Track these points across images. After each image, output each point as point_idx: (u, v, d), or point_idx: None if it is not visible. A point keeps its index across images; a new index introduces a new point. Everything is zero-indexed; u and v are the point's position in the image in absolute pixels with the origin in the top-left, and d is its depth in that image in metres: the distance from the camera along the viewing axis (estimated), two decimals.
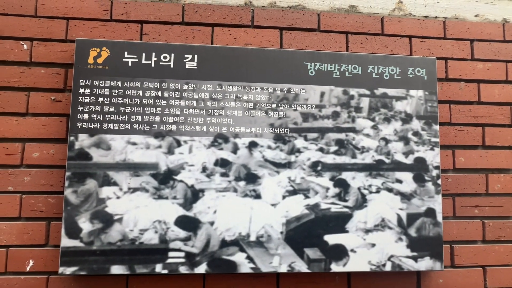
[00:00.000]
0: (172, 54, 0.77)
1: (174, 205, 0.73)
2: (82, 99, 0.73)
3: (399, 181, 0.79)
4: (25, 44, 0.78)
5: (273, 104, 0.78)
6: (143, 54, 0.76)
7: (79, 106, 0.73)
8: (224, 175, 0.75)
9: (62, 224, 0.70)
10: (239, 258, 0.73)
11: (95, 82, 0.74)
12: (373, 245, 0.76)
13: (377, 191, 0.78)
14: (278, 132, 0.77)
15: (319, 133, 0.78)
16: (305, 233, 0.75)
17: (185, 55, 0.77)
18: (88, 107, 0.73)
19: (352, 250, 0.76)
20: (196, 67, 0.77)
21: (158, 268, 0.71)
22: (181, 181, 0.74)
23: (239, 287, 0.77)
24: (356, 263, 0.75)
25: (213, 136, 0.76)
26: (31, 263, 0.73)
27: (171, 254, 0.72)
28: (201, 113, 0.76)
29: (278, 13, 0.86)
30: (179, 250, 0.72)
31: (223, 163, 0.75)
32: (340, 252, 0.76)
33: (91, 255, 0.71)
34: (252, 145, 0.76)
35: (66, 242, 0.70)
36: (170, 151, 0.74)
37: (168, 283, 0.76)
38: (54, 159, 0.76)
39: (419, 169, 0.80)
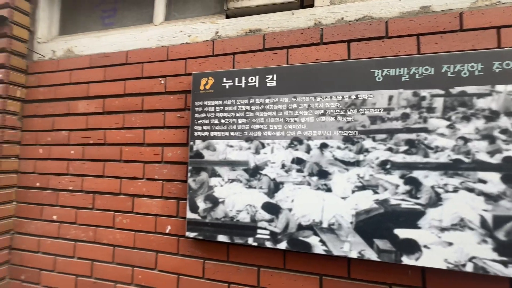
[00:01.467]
0: (257, 76, 0.99)
1: (260, 194, 0.94)
2: (197, 115, 1.04)
3: (483, 181, 0.77)
4: (162, 80, 1.16)
5: (342, 110, 0.89)
6: (236, 79, 1.01)
7: (195, 120, 1.04)
8: (299, 171, 0.91)
9: (187, 203, 1.02)
10: (313, 240, 0.88)
11: (205, 103, 1.04)
12: (450, 243, 0.77)
13: (455, 191, 0.78)
14: (347, 135, 0.88)
15: (387, 134, 0.84)
16: (374, 225, 0.83)
17: (266, 76, 0.98)
18: (201, 121, 1.03)
19: (425, 246, 0.79)
20: (275, 84, 0.96)
21: (250, 240, 0.94)
22: (265, 175, 0.94)
23: (313, 265, 0.91)
24: (431, 259, 0.78)
25: (290, 139, 0.93)
26: (169, 227, 1.09)
27: (259, 231, 0.94)
28: (280, 121, 0.95)
29: (346, 27, 0.96)
30: (265, 228, 0.93)
31: (298, 161, 0.92)
32: (411, 247, 0.80)
33: (205, 226, 1.00)
34: (323, 146, 0.90)
35: (189, 215, 1.02)
36: (257, 152, 0.96)
37: (257, 253, 0.97)
38: (180, 158, 1.10)
39: (508, 169, 0.75)
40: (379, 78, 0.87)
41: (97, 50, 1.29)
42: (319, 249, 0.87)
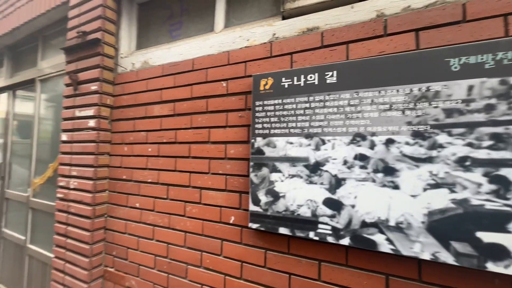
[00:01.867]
0: (316, 74, 1.00)
1: (321, 189, 0.96)
2: (257, 114, 1.11)
3: None
4: (224, 83, 1.26)
5: (410, 104, 0.84)
6: (295, 78, 1.04)
7: (256, 119, 1.11)
8: (362, 167, 0.90)
9: (249, 196, 1.10)
10: (378, 238, 0.86)
11: (265, 102, 1.10)
12: None
13: None
14: (417, 129, 0.83)
15: (466, 128, 0.77)
16: (451, 226, 0.77)
17: (326, 73, 0.98)
18: (261, 119, 1.10)
19: None
20: (335, 81, 0.96)
21: (311, 235, 0.97)
22: (326, 171, 0.96)
23: (378, 264, 0.89)
24: None
25: (352, 135, 0.92)
26: (233, 218, 1.19)
27: (320, 226, 0.96)
28: (341, 117, 0.95)
29: (413, 15, 0.90)
30: (326, 224, 0.94)
31: (361, 157, 0.90)
32: (499, 252, 0.72)
33: (267, 218, 1.06)
34: (389, 142, 0.87)
35: (252, 207, 1.09)
36: (317, 148, 0.98)
37: (318, 248, 1.00)
38: (242, 154, 1.19)
39: None
40: (455, 67, 0.79)
41: (168, 60, 1.47)
42: (385, 247, 0.85)
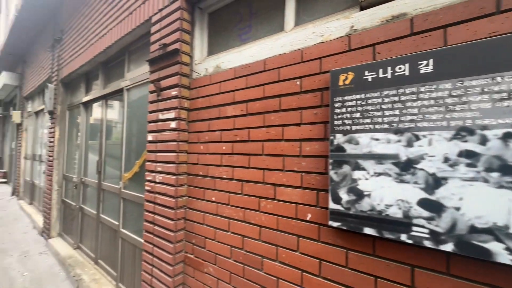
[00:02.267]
0: (407, 64, 0.93)
1: (415, 189, 0.89)
2: (337, 110, 1.08)
3: None
4: (297, 81, 1.27)
5: None
6: (380, 70, 0.98)
7: (335, 116, 1.09)
8: (470, 165, 0.80)
9: (329, 194, 1.09)
10: (494, 247, 0.75)
11: (345, 98, 1.07)
12: None
13: None
14: None
15: None
16: None
17: (419, 62, 0.90)
18: (341, 116, 1.07)
19: None
20: (432, 70, 0.88)
21: (403, 237, 0.90)
22: (421, 169, 0.88)
23: (494, 277, 0.78)
24: None
25: (455, 130, 0.83)
26: (309, 215, 1.19)
27: (414, 228, 0.88)
28: (440, 110, 0.85)
29: None
30: (422, 226, 0.87)
31: (468, 154, 0.80)
32: None
33: (349, 217, 1.03)
34: (508, 136, 0.75)
35: (332, 205, 1.08)
36: (409, 144, 0.91)
37: (410, 252, 0.92)
38: (318, 151, 1.18)
39: None
40: None
41: (239, 63, 1.56)
42: (504, 258, 0.74)
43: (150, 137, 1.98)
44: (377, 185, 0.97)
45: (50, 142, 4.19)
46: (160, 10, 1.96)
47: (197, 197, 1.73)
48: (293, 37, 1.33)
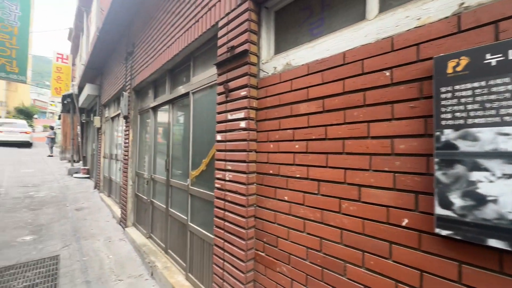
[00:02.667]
0: None
1: None
2: (444, 102, 0.94)
3: None
4: (387, 72, 1.16)
5: None
6: (510, 51, 0.82)
7: (442, 108, 0.95)
8: None
9: (435, 197, 0.95)
10: None
11: (456, 87, 0.92)
12: None
13: None
14: None
15: None
16: None
17: None
18: (450, 108, 0.93)
19: None
20: None
21: None
22: None
23: None
24: None
25: None
26: (406, 221, 1.07)
27: None
28: None
29: None
30: None
31: None
32: None
33: (464, 225, 0.89)
34: None
35: (439, 211, 0.94)
36: None
37: None
38: (416, 149, 1.05)
39: None
40: None
41: (313, 58, 1.50)
42: None
43: (219, 136, 2.07)
44: (507, 189, 0.81)
45: (125, 143, 4.78)
46: (227, 14, 2.03)
47: (268, 195, 1.74)
48: (378, 25, 1.21)
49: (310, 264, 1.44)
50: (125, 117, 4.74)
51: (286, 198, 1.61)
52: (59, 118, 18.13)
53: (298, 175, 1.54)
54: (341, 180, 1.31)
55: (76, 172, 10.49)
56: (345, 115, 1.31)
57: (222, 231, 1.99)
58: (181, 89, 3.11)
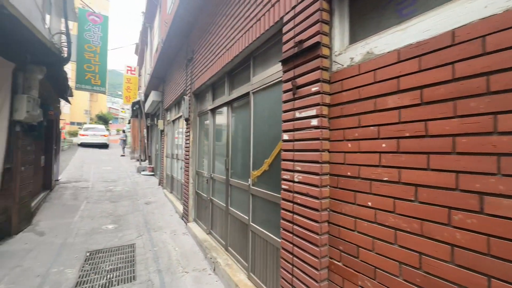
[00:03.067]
0: None
1: None
2: None
3: None
4: None
5: None
6: None
7: None
8: None
9: None
10: None
11: None
12: None
13: None
14: None
15: None
16: None
17: None
18: None
19: None
20: None
21: None
22: None
23: None
24: None
25: None
26: None
27: None
28: None
29: None
30: None
31: None
32: None
33: None
34: None
35: None
36: None
37: None
38: None
39: None
40: None
41: (404, 43, 1.29)
42: None
43: (285, 136, 1.99)
44: None
45: (186, 143, 5.13)
46: (293, 7, 1.93)
47: (345, 200, 1.58)
48: None
49: (405, 282, 1.23)
50: (186, 120, 5.09)
51: (369, 203, 1.43)
52: (129, 123, 20.86)
53: (386, 178, 1.34)
54: (451, 186, 1.08)
55: (143, 170, 11.84)
56: (456, 107, 1.07)
57: (291, 235, 1.90)
58: (241, 90, 3.15)
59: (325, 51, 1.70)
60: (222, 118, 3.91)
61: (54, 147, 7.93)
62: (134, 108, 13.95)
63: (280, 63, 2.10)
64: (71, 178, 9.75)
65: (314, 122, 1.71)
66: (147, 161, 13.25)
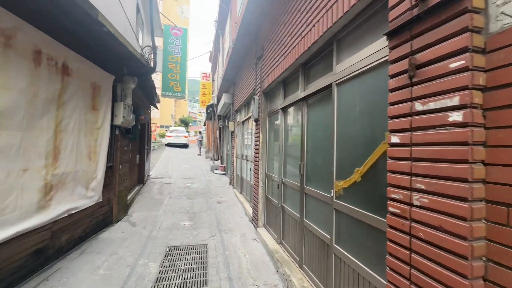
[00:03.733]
0: None
1: None
2: None
3: None
4: None
5: None
6: None
7: None
8: None
9: None
10: None
11: None
12: None
13: None
14: None
15: None
16: None
17: None
18: None
19: None
20: None
21: None
22: None
23: None
24: None
25: None
26: None
27: None
28: None
29: None
30: None
31: None
32: None
33: None
34: None
35: None
36: None
37: None
38: None
39: None
40: None
41: None
42: None
43: (395, 138, 1.41)
44: None
45: (256, 145, 4.94)
46: None
47: None
48: None
49: None
50: (256, 120, 4.90)
51: None
52: (204, 125, 22.95)
53: None
54: None
55: (216, 169, 12.62)
56: None
57: (404, 280, 1.31)
58: (318, 83, 2.65)
59: (477, 2, 1.06)
60: (295, 117, 3.49)
61: (146, 147, 9.21)
62: (208, 111, 15.09)
63: (384, 38, 1.52)
64: (158, 174, 11.21)
65: (457, 116, 1.08)
66: (219, 160, 14.11)
